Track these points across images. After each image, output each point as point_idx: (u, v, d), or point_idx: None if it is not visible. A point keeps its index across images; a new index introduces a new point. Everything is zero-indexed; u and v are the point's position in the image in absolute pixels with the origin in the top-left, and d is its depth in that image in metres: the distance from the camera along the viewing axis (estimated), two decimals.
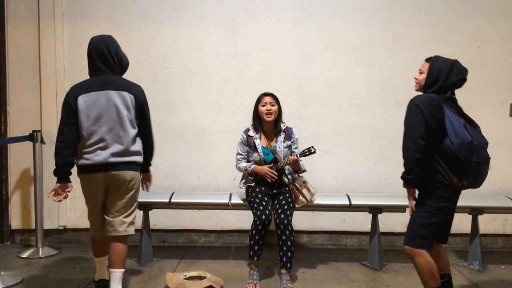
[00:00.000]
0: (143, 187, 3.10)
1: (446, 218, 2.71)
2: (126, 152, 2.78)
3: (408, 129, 2.59)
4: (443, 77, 2.64)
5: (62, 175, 2.77)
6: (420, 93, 2.73)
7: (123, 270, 2.85)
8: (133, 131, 2.81)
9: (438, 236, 2.70)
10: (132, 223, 2.89)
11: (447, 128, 2.51)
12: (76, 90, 2.78)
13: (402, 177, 2.63)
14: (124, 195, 2.83)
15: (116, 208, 2.83)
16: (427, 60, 2.75)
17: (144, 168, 3.01)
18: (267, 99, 3.43)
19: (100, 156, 2.73)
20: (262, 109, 3.43)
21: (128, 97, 2.77)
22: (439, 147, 2.53)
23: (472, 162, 2.49)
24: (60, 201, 2.83)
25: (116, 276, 2.81)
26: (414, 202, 2.68)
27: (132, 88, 2.82)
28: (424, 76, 2.71)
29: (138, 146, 2.85)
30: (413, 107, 2.57)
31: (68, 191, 2.82)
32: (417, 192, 2.70)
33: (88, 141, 2.74)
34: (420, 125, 2.52)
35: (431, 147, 2.54)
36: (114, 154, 2.74)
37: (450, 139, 2.49)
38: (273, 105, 3.42)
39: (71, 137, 2.74)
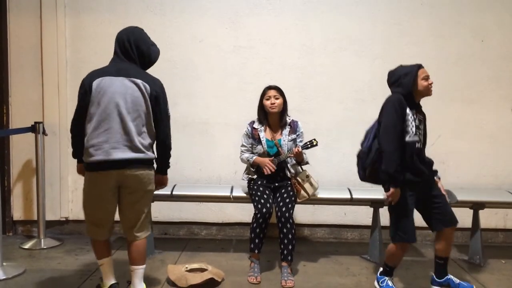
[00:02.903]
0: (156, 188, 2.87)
1: None
2: (137, 148, 2.58)
3: None
4: None
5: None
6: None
7: (144, 266, 2.79)
8: (145, 125, 2.63)
9: None
10: (150, 220, 2.86)
11: None
12: (92, 75, 2.62)
13: None
14: (141, 196, 2.68)
15: (135, 212, 2.69)
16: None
17: (158, 169, 2.82)
18: (271, 92, 3.43)
19: (110, 151, 2.53)
20: (267, 102, 3.43)
21: (142, 86, 2.59)
22: None
23: None
24: None
25: (139, 273, 2.75)
26: None
27: (147, 78, 2.65)
28: None
29: (149, 141, 2.67)
30: None
31: None
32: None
33: (96, 133, 2.55)
34: None
35: None
36: (125, 150, 2.55)
37: None
38: (277, 98, 3.42)
39: (81, 124, 2.64)
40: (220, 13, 4.19)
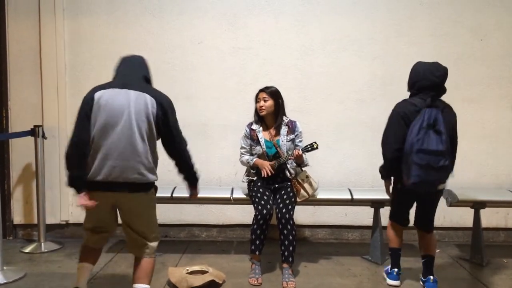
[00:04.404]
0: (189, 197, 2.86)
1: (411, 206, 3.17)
2: (136, 170, 2.39)
3: (384, 132, 3.00)
4: (417, 79, 2.92)
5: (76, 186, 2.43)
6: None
7: (148, 286, 2.54)
8: (148, 143, 2.42)
9: (417, 222, 3.16)
10: (157, 238, 2.61)
11: (408, 130, 2.80)
12: (95, 88, 2.46)
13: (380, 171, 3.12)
14: (144, 216, 2.52)
15: (138, 229, 2.52)
16: None
17: (188, 183, 2.79)
18: (261, 95, 3.46)
19: (103, 172, 2.36)
20: (257, 105, 3.48)
21: (149, 100, 2.39)
22: None
23: (413, 164, 2.73)
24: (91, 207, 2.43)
25: None
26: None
27: (155, 92, 2.47)
28: None
29: (151, 160, 2.46)
30: (392, 115, 2.97)
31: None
32: None
33: (92, 151, 2.38)
34: (394, 129, 2.91)
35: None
36: (125, 171, 2.37)
37: (406, 142, 2.79)
38: (266, 101, 3.43)
39: (85, 141, 2.39)
40: (219, 15, 4.19)
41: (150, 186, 2.53)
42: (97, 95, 2.39)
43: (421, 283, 3.14)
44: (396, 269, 3.22)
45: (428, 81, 2.89)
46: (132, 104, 2.38)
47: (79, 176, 2.40)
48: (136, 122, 2.37)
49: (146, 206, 2.53)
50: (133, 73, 2.55)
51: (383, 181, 3.16)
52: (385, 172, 3.09)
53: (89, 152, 2.39)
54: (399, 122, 2.87)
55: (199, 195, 3.83)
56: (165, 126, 2.47)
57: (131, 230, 2.52)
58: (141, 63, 2.64)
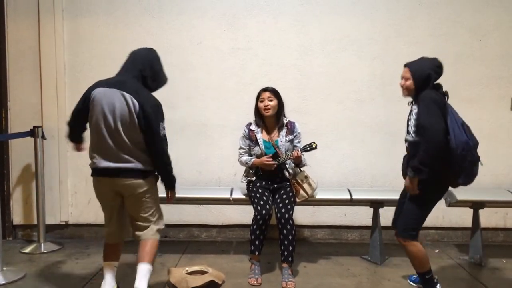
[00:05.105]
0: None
1: None
2: (124, 159, 2.60)
3: (426, 119, 2.61)
4: (430, 75, 2.73)
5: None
6: (409, 98, 2.84)
7: (148, 264, 2.67)
8: (133, 139, 2.60)
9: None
10: (158, 224, 2.88)
11: (449, 126, 2.58)
12: (96, 84, 2.68)
13: (415, 168, 2.65)
14: (139, 202, 2.71)
15: (136, 216, 2.76)
16: (406, 65, 2.84)
17: (164, 185, 2.87)
18: (265, 94, 3.44)
19: (100, 160, 2.62)
20: (261, 105, 3.44)
21: (130, 101, 2.54)
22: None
23: (466, 161, 2.59)
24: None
25: (141, 269, 2.65)
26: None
27: (141, 94, 2.59)
28: (411, 81, 2.77)
29: (140, 154, 2.64)
30: (430, 101, 2.62)
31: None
32: None
33: (93, 142, 2.67)
34: (441, 118, 2.59)
35: None
36: (113, 161, 2.60)
37: (451, 138, 2.56)
38: (271, 100, 3.42)
39: (77, 123, 2.78)
40: (218, 15, 4.19)
41: (147, 174, 2.69)
42: (93, 93, 2.62)
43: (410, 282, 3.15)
44: (439, 285, 2.95)
45: (439, 75, 2.78)
46: (117, 105, 2.55)
47: (70, 135, 2.88)
48: (120, 123, 2.56)
49: (151, 191, 2.73)
50: (130, 69, 2.70)
51: (381, 181, 3.10)
52: (425, 167, 2.61)
53: (79, 125, 2.80)
54: (437, 108, 2.61)
55: (199, 196, 3.89)
56: (146, 128, 2.59)
57: (135, 220, 2.77)
58: (143, 57, 2.75)
